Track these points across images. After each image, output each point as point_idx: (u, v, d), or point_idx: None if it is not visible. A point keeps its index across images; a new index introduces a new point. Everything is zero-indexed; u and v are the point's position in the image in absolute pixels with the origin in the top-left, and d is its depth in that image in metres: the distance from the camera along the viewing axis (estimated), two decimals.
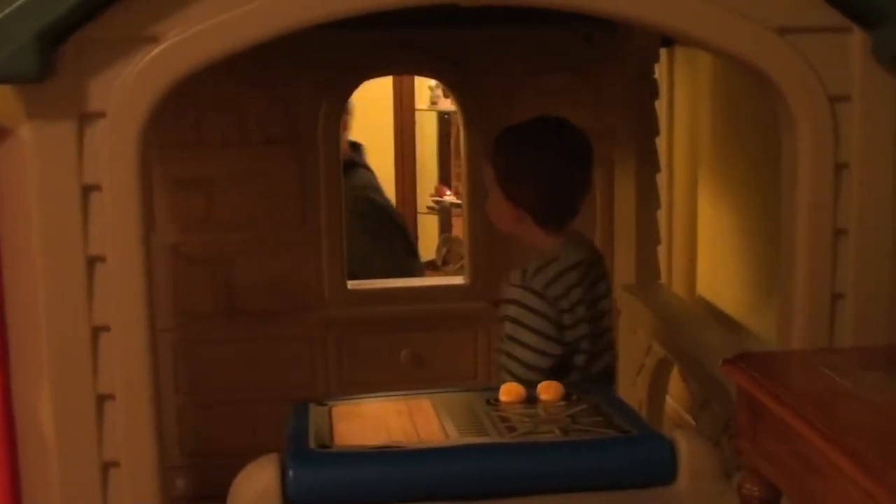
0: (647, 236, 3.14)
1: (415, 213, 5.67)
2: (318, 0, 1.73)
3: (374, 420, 2.02)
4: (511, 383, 2.16)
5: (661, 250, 3.28)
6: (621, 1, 1.81)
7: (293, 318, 3.10)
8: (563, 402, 2.10)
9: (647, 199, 3.11)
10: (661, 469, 1.85)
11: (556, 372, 2.31)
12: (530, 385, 2.14)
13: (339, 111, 3.10)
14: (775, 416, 1.51)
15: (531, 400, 2.12)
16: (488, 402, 2.11)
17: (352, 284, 3.16)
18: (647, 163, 3.11)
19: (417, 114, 5.63)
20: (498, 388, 2.15)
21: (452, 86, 3.18)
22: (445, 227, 5.81)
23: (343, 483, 1.80)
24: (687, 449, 1.86)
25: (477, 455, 1.84)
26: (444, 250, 5.68)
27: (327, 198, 3.08)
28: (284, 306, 3.09)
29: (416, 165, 5.62)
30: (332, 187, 3.08)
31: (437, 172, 5.81)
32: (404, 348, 3.17)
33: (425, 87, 5.61)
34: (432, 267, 5.62)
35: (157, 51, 1.69)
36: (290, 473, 1.78)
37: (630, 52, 3.05)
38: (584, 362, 2.39)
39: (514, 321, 2.32)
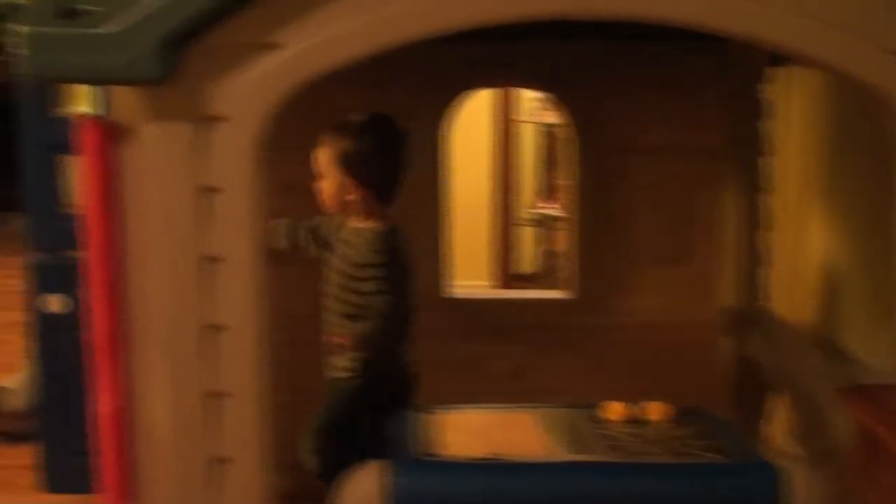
0: (752, 258, 3.09)
1: (514, 224, 5.65)
2: (440, 13, 1.73)
3: (476, 431, 2.02)
4: (617, 403, 2.14)
5: (769, 273, 3.22)
6: (737, 20, 1.78)
7: None
8: (671, 424, 2.08)
9: (751, 219, 3.06)
10: (770, 499, 1.82)
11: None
12: (635, 405, 2.12)
13: (440, 122, 3.10)
14: (892, 450, 1.47)
15: (637, 420, 2.10)
16: (591, 419, 2.09)
17: (452, 293, 3.16)
18: (752, 183, 3.06)
19: (519, 125, 5.61)
20: (602, 406, 2.13)
21: (559, 99, 3.16)
22: (544, 239, 5.78)
23: (446, 492, 1.81)
24: (799, 479, 1.82)
25: (584, 473, 1.83)
26: (541, 263, 5.65)
27: (428, 207, 3.08)
28: None
29: (514, 177, 5.59)
30: (432, 196, 3.08)
31: (537, 184, 5.79)
32: (504, 359, 3.15)
33: (525, 99, 5.60)
34: (529, 280, 5.60)
35: (279, 57, 1.71)
36: (395, 481, 1.79)
37: (733, 72, 3.00)
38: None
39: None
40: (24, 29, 1.66)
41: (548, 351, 3.12)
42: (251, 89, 1.71)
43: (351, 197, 2.55)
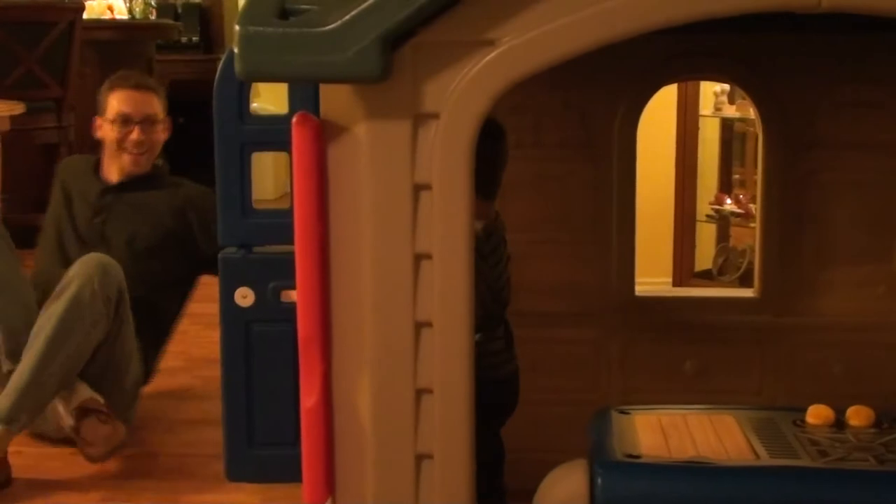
0: None
1: (693, 220, 5.57)
2: (655, 9, 1.71)
3: (679, 433, 2.00)
4: (820, 406, 2.09)
5: None
6: None
7: (577, 322, 3.09)
8: (874, 429, 2.03)
9: None
10: None
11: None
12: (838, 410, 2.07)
13: (636, 117, 3.07)
14: None
15: (839, 424, 2.05)
16: (794, 423, 2.05)
17: (639, 291, 3.13)
18: None
19: (701, 120, 5.53)
20: (803, 409, 2.08)
21: (752, 93, 3.09)
22: (723, 236, 5.68)
23: (651, 495, 1.79)
24: None
25: (791, 478, 1.79)
26: (720, 260, 5.55)
27: (619, 204, 3.06)
28: (570, 309, 3.09)
29: (696, 173, 5.51)
30: (624, 193, 3.06)
31: (717, 180, 5.69)
32: (688, 359, 3.11)
33: (710, 93, 5.50)
34: (709, 276, 5.51)
35: (493, 54, 1.71)
36: (600, 481, 1.78)
37: None
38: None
39: None
40: (242, 29, 1.70)
41: (732, 350, 3.06)
42: (465, 87, 1.72)
43: None
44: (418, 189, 1.75)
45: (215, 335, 2.11)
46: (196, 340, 4.42)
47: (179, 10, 8.63)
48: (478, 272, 2.40)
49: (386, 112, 1.73)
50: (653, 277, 4.87)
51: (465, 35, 1.72)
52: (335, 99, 1.77)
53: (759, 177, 3.14)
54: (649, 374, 3.10)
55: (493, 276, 2.54)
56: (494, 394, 2.49)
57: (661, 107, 5.24)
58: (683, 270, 5.46)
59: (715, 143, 5.63)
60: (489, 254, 2.50)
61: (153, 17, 8.51)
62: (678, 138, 5.40)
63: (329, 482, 1.84)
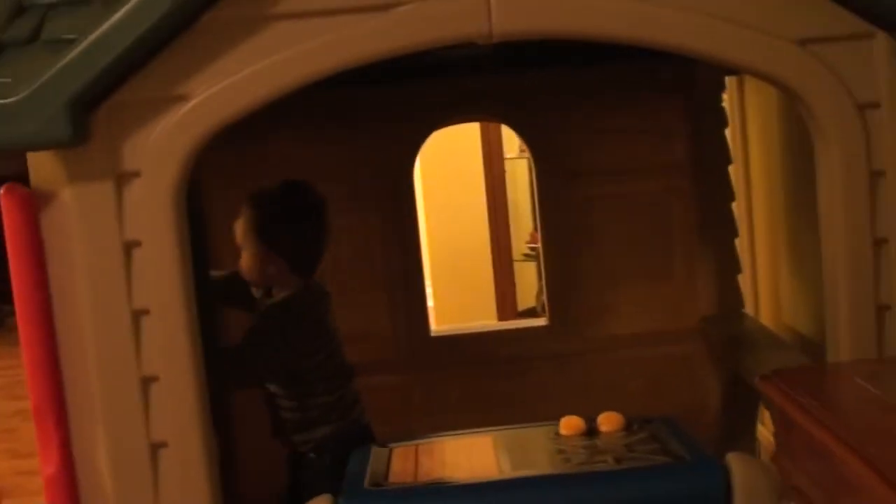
0: (728, 266, 3.11)
1: (511, 260, 5.67)
2: (337, 50, 1.77)
3: (431, 459, 2.04)
4: (571, 417, 2.16)
5: (746, 279, 3.22)
6: (640, 27, 1.81)
7: (377, 369, 3.13)
8: (622, 433, 2.10)
9: (724, 227, 3.08)
10: (715, 494, 1.83)
11: None
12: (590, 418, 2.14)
13: (410, 164, 3.14)
14: (806, 430, 1.48)
15: (591, 431, 2.12)
16: (548, 436, 2.11)
17: (435, 332, 3.19)
18: (721, 192, 3.08)
19: (507, 162, 5.65)
20: (555, 423, 2.15)
21: (519, 129, 3.20)
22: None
23: None
24: (741, 473, 1.83)
25: (524, 487, 1.84)
26: (543, 297, 5.64)
27: (404, 249, 3.12)
28: (368, 357, 3.12)
29: (508, 213, 5.63)
30: (407, 238, 3.12)
31: (531, 219, 5.82)
32: (492, 391, 3.16)
33: (513, 136, 5.65)
34: (533, 314, 5.60)
35: (186, 108, 1.76)
36: None
37: (695, 83, 3.03)
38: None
39: None
40: None
41: (532, 378, 3.13)
42: (161, 142, 1.76)
43: (271, 268, 2.48)
44: (129, 246, 1.78)
45: None
46: None
47: None
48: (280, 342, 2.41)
49: (88, 174, 1.76)
50: (478, 320, 4.94)
51: (158, 91, 1.76)
52: (41, 166, 1.80)
53: (537, 210, 3.24)
54: (454, 411, 3.15)
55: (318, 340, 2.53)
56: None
57: (467, 153, 5.37)
58: (507, 310, 5.55)
59: (525, 184, 5.76)
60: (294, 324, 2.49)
61: None
62: (486, 182, 5.51)
63: None
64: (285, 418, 2.51)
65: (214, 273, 2.64)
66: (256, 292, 2.61)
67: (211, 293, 2.46)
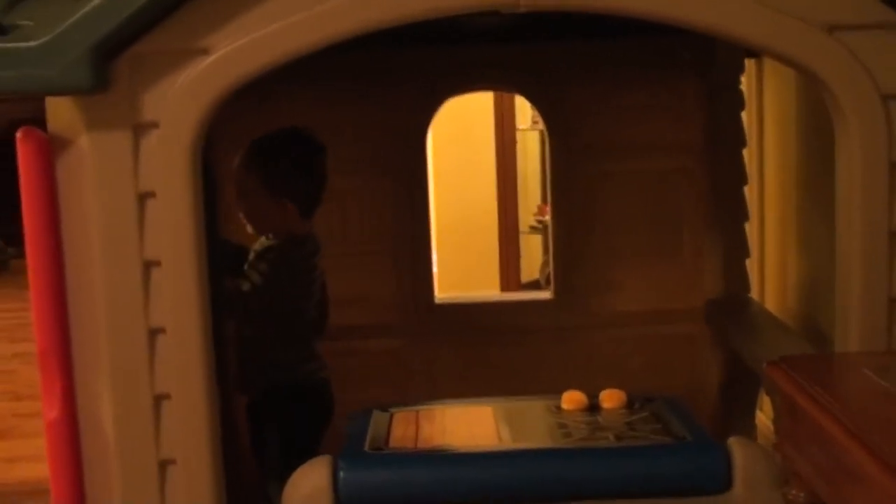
0: (736, 249, 3.10)
1: (517, 232, 5.67)
2: (363, 11, 1.76)
3: (431, 425, 2.04)
4: (574, 392, 2.16)
5: (753, 264, 3.22)
6: (668, 3, 1.80)
7: (380, 332, 3.14)
8: (624, 410, 2.10)
9: (735, 211, 3.07)
10: (716, 477, 1.83)
11: None
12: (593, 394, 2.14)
13: (424, 129, 3.13)
14: (811, 418, 1.48)
15: (593, 407, 2.12)
16: (549, 410, 2.11)
17: (439, 299, 3.19)
18: (734, 174, 3.07)
19: (519, 133, 5.64)
20: (558, 397, 2.15)
21: (536, 101, 3.19)
22: (549, 246, 5.79)
23: (391, 484, 1.83)
24: (742, 457, 1.83)
25: (524, 459, 1.84)
26: (547, 270, 5.65)
27: (413, 215, 3.12)
28: (371, 321, 3.13)
29: (517, 185, 5.62)
30: (418, 204, 3.12)
31: (539, 192, 5.81)
32: (491, 362, 3.16)
33: (527, 107, 5.63)
34: (537, 286, 5.60)
35: (207, 62, 1.75)
36: (341, 474, 1.81)
37: (714, 64, 3.01)
38: None
39: None
40: None
41: (532, 350, 3.13)
42: (181, 95, 1.76)
43: (280, 214, 2.48)
44: (144, 197, 1.78)
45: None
46: None
47: None
48: (286, 282, 2.44)
49: (106, 122, 1.76)
50: (482, 290, 4.95)
51: (181, 44, 1.76)
52: (59, 112, 1.79)
53: (548, 182, 3.24)
54: (454, 379, 3.15)
55: (303, 289, 2.55)
56: (311, 399, 2.54)
57: (480, 122, 5.35)
58: (510, 282, 5.55)
59: (535, 156, 5.75)
60: (297, 266, 2.51)
61: None
62: (497, 152, 5.50)
63: (78, 494, 1.85)
64: (252, 362, 2.52)
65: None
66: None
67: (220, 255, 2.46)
